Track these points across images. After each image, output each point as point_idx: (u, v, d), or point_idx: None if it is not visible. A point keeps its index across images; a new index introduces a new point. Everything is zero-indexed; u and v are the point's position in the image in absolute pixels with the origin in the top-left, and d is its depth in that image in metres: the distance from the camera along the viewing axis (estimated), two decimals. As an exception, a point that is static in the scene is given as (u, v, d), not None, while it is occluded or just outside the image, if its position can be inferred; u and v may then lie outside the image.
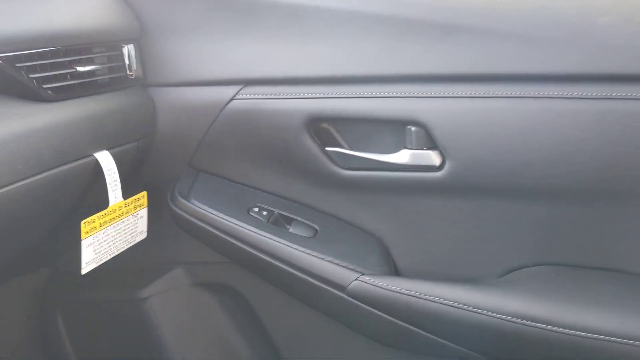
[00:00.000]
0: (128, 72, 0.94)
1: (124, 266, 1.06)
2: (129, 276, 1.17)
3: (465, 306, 0.87)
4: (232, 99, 0.96)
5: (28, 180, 0.75)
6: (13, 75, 0.74)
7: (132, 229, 0.96)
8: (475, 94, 0.87)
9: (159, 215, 1.07)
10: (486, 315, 0.85)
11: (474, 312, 0.86)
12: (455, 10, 0.87)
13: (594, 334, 0.81)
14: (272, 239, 0.96)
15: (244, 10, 0.94)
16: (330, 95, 0.93)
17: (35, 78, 0.77)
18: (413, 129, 0.91)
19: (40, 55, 0.78)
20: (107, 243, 0.91)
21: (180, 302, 1.15)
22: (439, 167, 0.91)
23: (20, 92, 0.77)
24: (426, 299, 0.89)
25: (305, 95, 0.94)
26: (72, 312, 1.23)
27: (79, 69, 0.84)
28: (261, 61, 0.95)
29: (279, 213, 1.01)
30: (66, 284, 1.22)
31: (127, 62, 0.94)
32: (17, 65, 0.75)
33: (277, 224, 1.00)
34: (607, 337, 0.80)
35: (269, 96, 0.95)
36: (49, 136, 0.78)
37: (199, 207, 0.99)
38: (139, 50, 0.96)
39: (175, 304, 1.15)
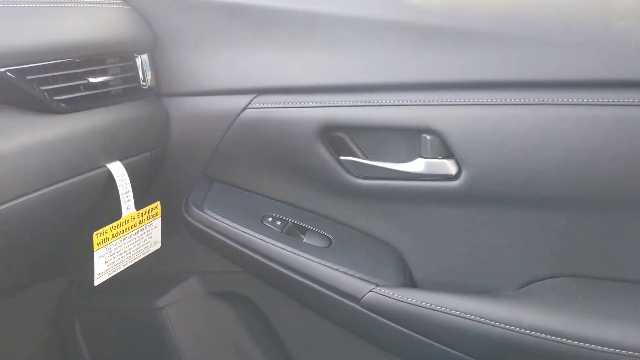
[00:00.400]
0: (141, 83, 0.94)
1: (140, 275, 1.06)
2: (144, 285, 1.17)
3: (482, 319, 0.85)
4: (245, 108, 0.96)
5: (39, 193, 0.76)
6: (24, 88, 0.74)
7: (145, 240, 0.96)
8: (490, 101, 0.85)
9: (174, 225, 1.07)
10: (503, 328, 0.84)
11: (491, 325, 0.85)
12: (469, 17, 0.85)
13: (614, 348, 0.79)
14: (285, 250, 0.95)
15: (257, 19, 0.94)
16: (343, 104, 0.92)
17: (46, 90, 0.77)
18: (428, 137, 0.90)
19: (51, 67, 0.78)
20: (120, 254, 0.91)
21: (195, 312, 1.15)
22: (455, 176, 0.90)
23: (32, 104, 0.77)
24: (442, 311, 0.87)
25: (319, 104, 0.93)
26: (90, 320, 1.24)
27: (92, 80, 0.84)
28: (274, 70, 0.94)
29: (293, 223, 1.00)
30: (83, 293, 1.23)
31: (140, 72, 0.94)
32: (28, 78, 0.75)
33: (291, 233, 0.99)
34: (628, 352, 0.78)
35: (282, 105, 0.94)
36: (60, 148, 0.78)
37: (212, 217, 0.99)
38: (153, 61, 0.96)
39: (190, 313, 1.15)
